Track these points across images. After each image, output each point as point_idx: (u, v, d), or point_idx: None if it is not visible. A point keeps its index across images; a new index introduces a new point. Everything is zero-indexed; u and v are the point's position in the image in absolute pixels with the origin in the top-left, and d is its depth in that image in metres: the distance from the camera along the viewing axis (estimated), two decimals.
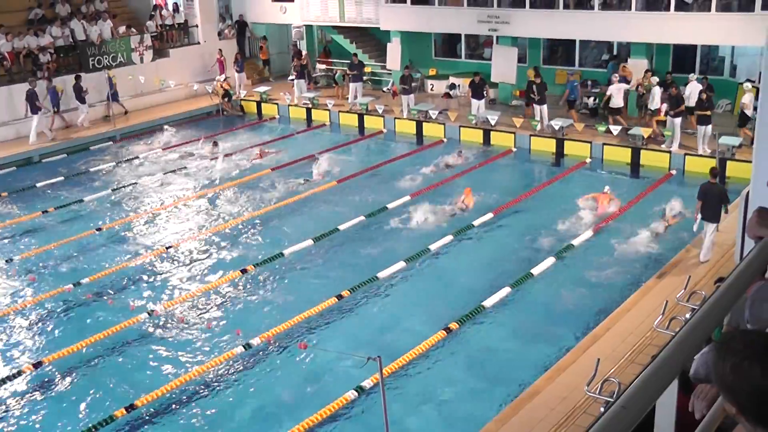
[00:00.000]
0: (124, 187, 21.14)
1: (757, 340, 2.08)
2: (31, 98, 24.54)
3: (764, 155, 9.54)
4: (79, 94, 25.97)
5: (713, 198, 14.19)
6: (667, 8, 23.07)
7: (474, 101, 24.85)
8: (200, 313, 14.00)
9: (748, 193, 12.41)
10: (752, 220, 2.71)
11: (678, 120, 20.95)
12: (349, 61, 28.57)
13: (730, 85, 23.86)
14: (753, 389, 2.00)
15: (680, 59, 25.31)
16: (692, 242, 15.22)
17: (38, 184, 21.57)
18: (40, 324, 13.80)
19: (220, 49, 30.44)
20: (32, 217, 18.96)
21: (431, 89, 28.94)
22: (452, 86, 27.52)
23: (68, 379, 12.04)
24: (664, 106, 22.03)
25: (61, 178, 22.11)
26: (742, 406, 2.04)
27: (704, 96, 20.62)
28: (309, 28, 32.21)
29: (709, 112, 20.54)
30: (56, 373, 12.18)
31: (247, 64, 31.72)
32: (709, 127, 20.40)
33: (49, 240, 17.42)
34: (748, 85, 21.81)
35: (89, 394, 11.65)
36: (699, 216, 14.47)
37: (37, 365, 12.16)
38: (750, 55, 23.61)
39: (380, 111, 26.47)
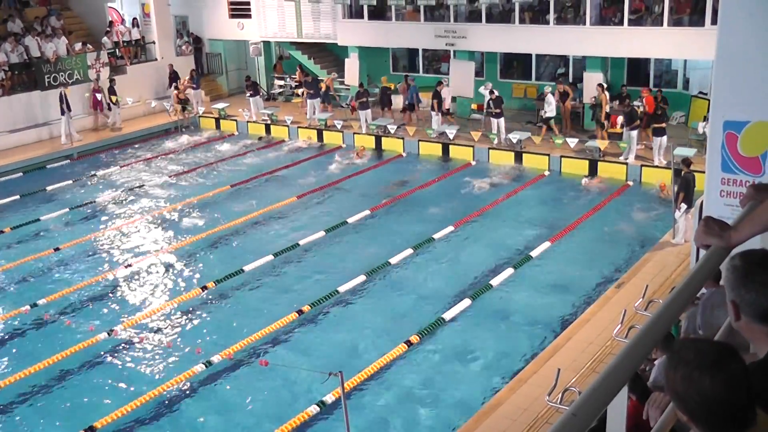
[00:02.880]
0: (81, 206, 20.88)
1: (707, 349, 2.11)
2: (66, 101, 25.63)
3: (716, 166, 9.72)
4: (114, 94, 27.64)
5: (688, 185, 15.39)
6: (621, 23, 23.49)
7: (433, 114, 25.05)
8: (160, 332, 13.87)
9: (701, 202, 12.62)
10: (698, 230, 2.77)
11: (635, 133, 21.32)
12: (304, 78, 28.65)
13: (683, 98, 24.32)
14: (702, 399, 2.03)
15: (635, 72, 25.73)
16: (647, 253, 15.47)
17: None
18: None
19: (96, 78, 28.03)
20: None
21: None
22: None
23: (26, 402, 11.84)
24: (620, 119, 22.42)
25: (17, 197, 21.77)
26: (693, 415, 2.08)
27: (659, 110, 21.05)
28: (267, 44, 32.19)
29: (664, 124, 20.94)
30: (14, 395, 11.96)
31: (204, 80, 31.60)
32: (665, 138, 20.77)
33: (5, 260, 17.14)
34: (548, 89, 24.01)
35: (48, 416, 11.47)
36: (684, 205, 15.39)
37: None
38: (701, 69, 24.09)
39: (339, 126, 26.51)
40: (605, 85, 23.50)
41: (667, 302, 2.30)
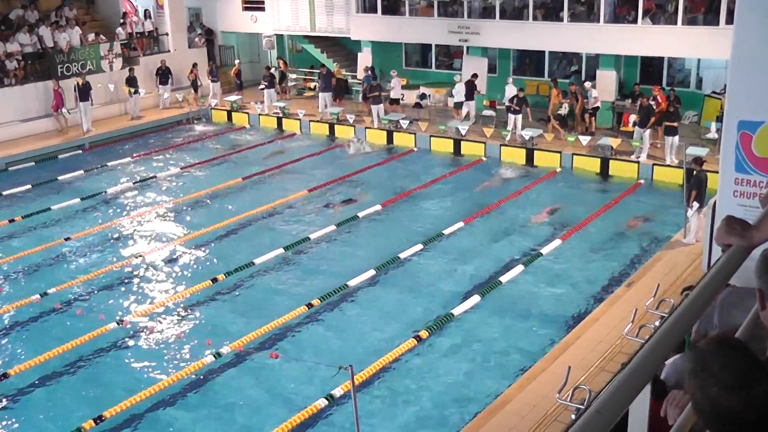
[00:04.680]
0: (92, 196, 20.94)
1: (733, 365, 2.04)
2: (82, 90, 25.85)
3: (729, 166, 9.70)
4: (134, 83, 27.89)
5: (701, 184, 15.37)
6: (635, 21, 23.42)
7: (467, 103, 25.17)
8: (170, 323, 13.92)
9: (715, 202, 12.58)
10: (720, 229, 2.75)
11: (647, 131, 21.25)
12: (317, 71, 28.64)
13: (696, 97, 24.23)
14: (716, 412, 1.98)
15: (648, 71, 25.65)
16: (658, 252, 15.43)
17: (5, 192, 21.29)
18: (6, 335, 13.62)
19: (56, 79, 26.45)
20: None
21: (402, 99, 29.01)
22: (423, 96, 27.62)
23: (36, 391, 11.89)
24: (632, 117, 22.41)
25: (29, 186, 21.86)
26: (707, 423, 2.05)
27: (672, 108, 20.99)
28: (280, 37, 32.20)
29: (676, 123, 20.87)
30: (23, 384, 12.01)
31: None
32: (677, 137, 20.70)
33: (17, 249, 17.22)
34: (510, 80, 25.29)
35: (57, 405, 11.52)
36: (696, 204, 15.33)
37: (3, 377, 11.99)
38: (715, 68, 24.00)
39: (351, 120, 26.51)
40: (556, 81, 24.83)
41: (689, 300, 2.29)
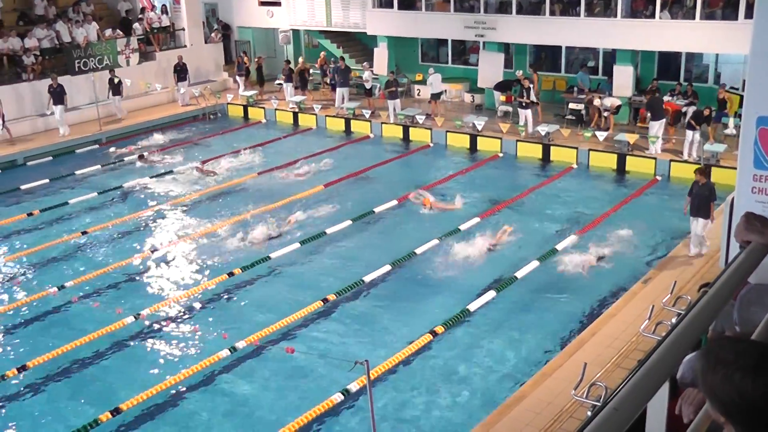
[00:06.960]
0: (109, 190, 21.05)
1: (747, 350, 2.06)
2: (56, 93, 25.24)
3: (747, 162, 9.59)
4: (116, 87, 27.17)
5: (701, 195, 14.64)
6: (652, 15, 23.29)
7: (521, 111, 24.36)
8: (186, 317, 13.98)
9: (733, 199, 12.48)
10: (740, 225, 2.73)
11: (657, 123, 21.16)
12: (334, 66, 28.61)
13: (714, 92, 24.03)
14: (743, 401, 1.98)
15: (665, 66, 25.50)
16: (674, 249, 15.34)
17: (23, 187, 21.45)
18: (24, 327, 13.73)
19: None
20: (16, 220, 18.86)
21: (418, 94, 29.03)
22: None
23: (54, 383, 11.97)
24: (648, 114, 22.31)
25: (46, 180, 22.00)
26: (732, 416, 2.04)
27: (707, 110, 20.64)
28: (296, 32, 32.23)
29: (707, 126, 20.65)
30: (41, 376, 12.11)
31: (231, 68, 31.69)
32: (698, 133, 20.53)
33: (34, 243, 17.34)
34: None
35: (74, 397, 11.61)
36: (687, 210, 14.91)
37: (22, 369, 12.08)
38: (733, 63, 23.83)
39: (367, 115, 26.51)
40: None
41: (707, 297, 2.28)
